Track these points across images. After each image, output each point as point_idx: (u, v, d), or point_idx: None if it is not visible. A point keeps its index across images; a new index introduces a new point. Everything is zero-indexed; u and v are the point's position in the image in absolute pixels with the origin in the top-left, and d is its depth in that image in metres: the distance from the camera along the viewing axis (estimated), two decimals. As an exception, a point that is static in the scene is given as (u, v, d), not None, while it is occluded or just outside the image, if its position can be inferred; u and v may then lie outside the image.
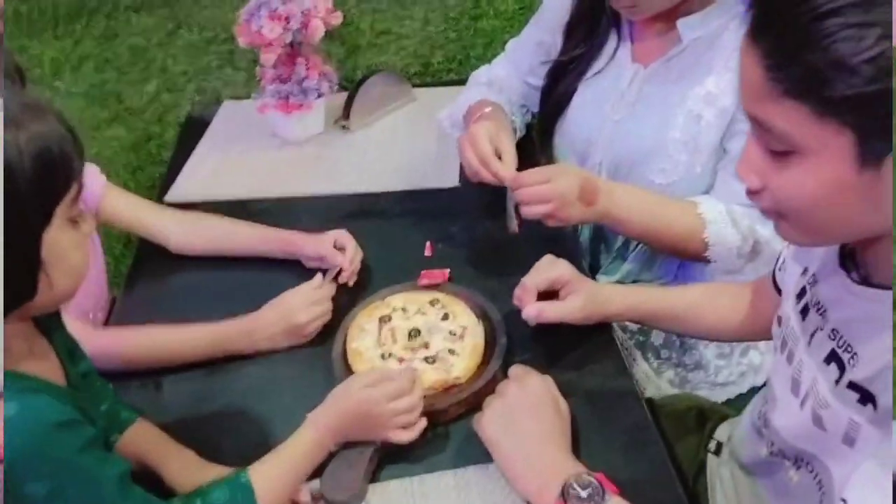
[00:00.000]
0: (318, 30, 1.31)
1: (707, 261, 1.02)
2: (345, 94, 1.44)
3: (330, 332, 0.95)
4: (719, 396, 1.24)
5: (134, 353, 0.91)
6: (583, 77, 1.12)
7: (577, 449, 0.77)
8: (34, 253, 0.60)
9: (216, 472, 0.78)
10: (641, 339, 1.20)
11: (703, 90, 1.01)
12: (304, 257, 1.05)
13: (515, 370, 0.82)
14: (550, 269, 0.91)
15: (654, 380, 1.20)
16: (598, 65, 1.11)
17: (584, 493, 0.68)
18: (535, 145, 1.24)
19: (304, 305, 0.93)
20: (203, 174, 1.32)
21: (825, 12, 0.51)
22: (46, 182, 0.60)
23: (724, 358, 1.23)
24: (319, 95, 1.37)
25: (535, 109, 1.24)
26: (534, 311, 0.88)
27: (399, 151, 1.37)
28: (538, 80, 1.19)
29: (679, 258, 1.11)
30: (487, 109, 1.14)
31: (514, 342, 0.91)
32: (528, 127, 1.27)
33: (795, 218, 0.61)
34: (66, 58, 1.86)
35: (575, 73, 1.12)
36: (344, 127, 1.43)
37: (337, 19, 1.35)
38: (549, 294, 0.90)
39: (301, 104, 1.35)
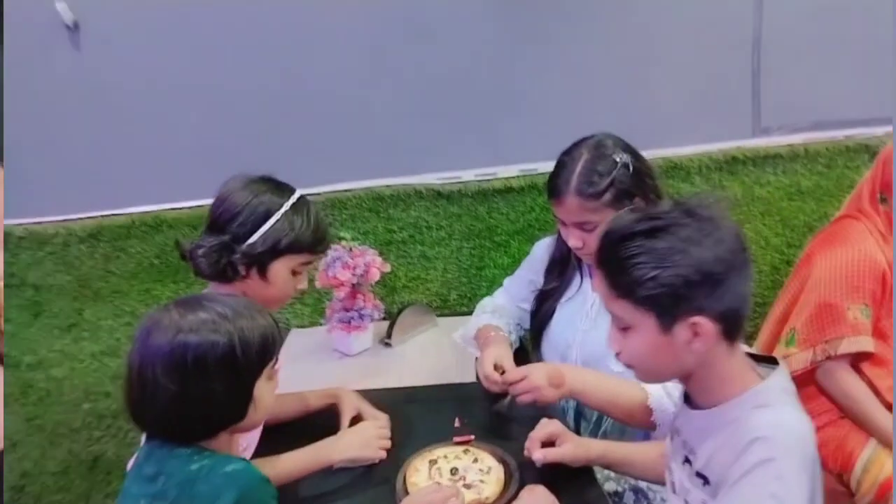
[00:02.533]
0: (375, 275, 1.85)
1: (654, 428, 1.43)
2: (387, 321, 1.95)
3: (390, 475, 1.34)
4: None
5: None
6: (559, 302, 1.62)
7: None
8: (249, 393, 1.03)
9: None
10: (616, 500, 1.57)
11: None
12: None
13: (530, 486, 1.21)
14: (549, 425, 1.33)
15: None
16: (569, 293, 1.62)
17: None
18: (528, 351, 1.72)
19: (375, 438, 1.35)
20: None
21: (627, 257, 0.93)
22: (262, 353, 1.04)
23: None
24: (371, 320, 1.87)
25: (527, 326, 1.73)
26: (540, 454, 1.28)
27: (427, 359, 1.84)
28: (528, 305, 1.70)
29: (635, 426, 1.52)
30: (492, 334, 1.61)
31: (524, 476, 1.30)
32: (521, 339, 1.76)
33: (639, 367, 1.02)
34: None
35: (553, 299, 1.63)
36: (387, 344, 1.92)
37: (387, 268, 1.91)
38: (547, 444, 1.32)
39: (359, 326, 1.85)
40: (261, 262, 1.30)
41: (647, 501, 1.54)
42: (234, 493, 0.95)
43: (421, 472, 1.31)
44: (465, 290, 2.14)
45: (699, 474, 1.02)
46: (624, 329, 1.00)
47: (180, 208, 1.97)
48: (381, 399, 1.61)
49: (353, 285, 1.85)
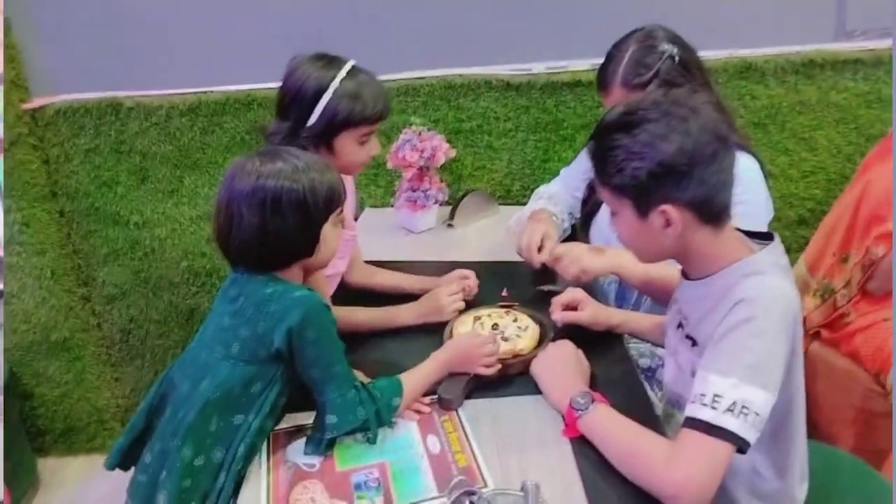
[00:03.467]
0: (440, 159, 1.98)
1: None
2: (451, 206, 2.09)
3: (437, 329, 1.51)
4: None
5: (352, 319, 1.47)
6: None
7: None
8: (317, 235, 1.19)
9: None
10: (649, 374, 1.69)
11: None
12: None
13: (558, 341, 1.35)
14: (575, 292, 1.45)
15: (658, 405, 1.67)
16: None
17: (581, 400, 1.17)
18: (577, 239, 1.82)
19: (449, 297, 1.50)
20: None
21: (606, 149, 1.03)
22: (329, 201, 1.19)
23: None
24: (436, 202, 2.01)
25: (578, 215, 1.83)
26: (560, 315, 1.42)
27: (485, 242, 1.98)
28: (581, 194, 1.80)
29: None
30: (543, 216, 1.73)
31: (556, 337, 1.44)
32: (574, 227, 1.86)
33: (629, 248, 1.14)
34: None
35: None
36: (450, 225, 2.07)
37: (452, 153, 2.03)
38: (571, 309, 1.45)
39: (424, 205, 1.99)
40: (325, 138, 1.38)
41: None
42: (300, 312, 1.13)
43: (466, 325, 1.47)
44: (528, 181, 2.23)
45: (688, 336, 1.13)
46: (614, 214, 1.11)
47: (270, 88, 2.12)
48: (440, 269, 1.77)
49: (421, 167, 1.99)
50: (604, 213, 1.73)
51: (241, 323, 1.16)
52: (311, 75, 1.35)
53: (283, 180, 1.14)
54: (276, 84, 1.39)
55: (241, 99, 2.20)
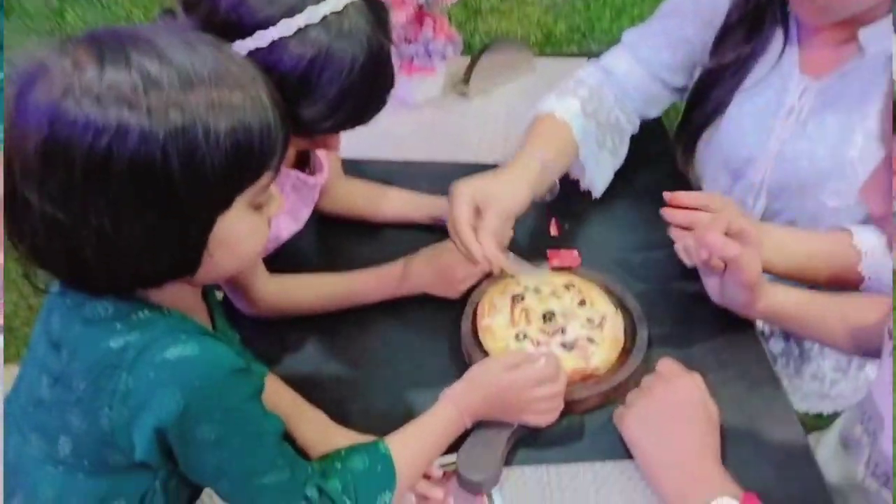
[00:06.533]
0: (450, -10, 1.26)
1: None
2: (464, 61, 1.40)
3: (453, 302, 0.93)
4: (827, 408, 1.19)
5: (303, 295, 0.91)
6: (740, 86, 1.00)
7: (724, 458, 0.73)
8: (202, 236, 0.56)
9: (345, 435, 0.77)
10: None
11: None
12: None
13: (664, 366, 0.78)
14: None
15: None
16: (758, 72, 0.99)
17: None
18: (674, 158, 1.15)
19: (461, 262, 0.89)
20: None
21: None
22: (236, 171, 0.55)
23: (840, 371, 1.17)
24: (443, 58, 1.33)
25: (654, 114, 1.14)
26: (720, 240, 0.79)
27: (517, 121, 1.32)
28: (677, 80, 1.08)
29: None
30: (549, 135, 1.02)
31: (652, 336, 0.87)
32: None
33: None
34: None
35: (733, 81, 1.00)
36: (463, 93, 1.40)
37: (470, -20, 1.31)
38: None
39: (424, 66, 1.31)
40: None
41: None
42: (177, 398, 0.54)
43: (500, 313, 0.89)
44: (577, 20, 1.52)
45: None
46: None
47: None
48: (449, 177, 1.14)
49: (419, 6, 1.28)
50: (732, 128, 1.02)
51: (70, 404, 0.58)
52: None
53: (117, 111, 0.50)
54: None
55: None
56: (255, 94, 0.56)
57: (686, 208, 0.89)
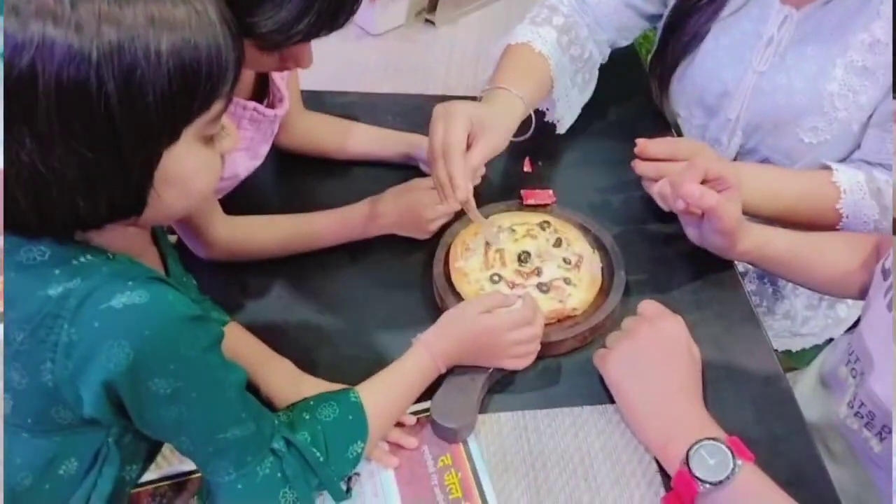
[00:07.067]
0: None
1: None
2: (430, -14, 1.31)
3: (423, 244, 0.88)
4: (797, 345, 1.20)
5: (262, 238, 0.84)
6: (717, 16, 0.95)
7: (705, 399, 0.71)
8: (146, 172, 0.50)
9: (313, 383, 0.73)
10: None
11: (868, 37, 0.86)
12: (425, 161, 0.93)
13: (647, 308, 0.75)
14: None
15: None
16: (735, 2, 0.94)
17: (711, 462, 0.62)
18: (650, 92, 1.09)
19: (432, 200, 0.84)
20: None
21: None
22: (181, 97, 0.49)
23: (812, 309, 1.16)
24: (407, -17, 1.24)
25: (625, 43, 1.07)
26: (695, 189, 0.75)
27: (488, 54, 1.25)
28: (650, 6, 1.02)
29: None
30: (521, 63, 0.94)
31: (630, 277, 0.84)
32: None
33: None
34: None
35: (709, 11, 0.95)
36: (428, 21, 1.31)
37: None
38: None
39: (388, -10, 1.22)
40: None
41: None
42: (126, 347, 0.49)
43: (473, 255, 0.85)
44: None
45: None
46: None
47: None
48: (417, 110, 1.09)
49: (383, -79, 1.18)
50: (708, 60, 0.97)
51: (8, 357, 0.52)
52: None
53: (43, 33, 0.43)
54: None
55: None
56: (200, 9, 0.49)
57: (656, 159, 0.85)
